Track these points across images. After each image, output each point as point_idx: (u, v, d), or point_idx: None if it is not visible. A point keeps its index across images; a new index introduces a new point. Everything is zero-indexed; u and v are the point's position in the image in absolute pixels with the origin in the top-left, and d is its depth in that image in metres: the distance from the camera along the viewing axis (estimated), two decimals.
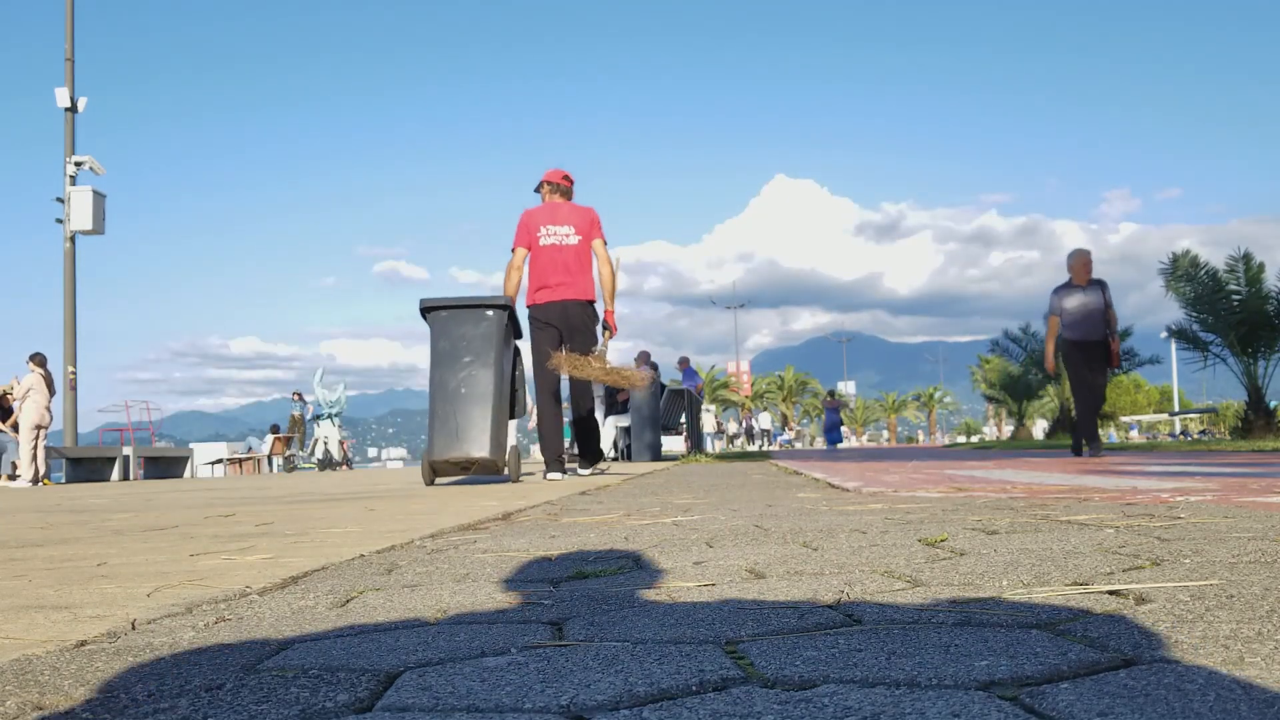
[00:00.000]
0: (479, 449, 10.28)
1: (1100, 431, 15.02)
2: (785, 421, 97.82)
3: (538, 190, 12.11)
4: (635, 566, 3.13)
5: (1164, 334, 33.96)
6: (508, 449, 10.69)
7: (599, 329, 11.72)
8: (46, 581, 3.17)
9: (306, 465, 36.17)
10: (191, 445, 37.45)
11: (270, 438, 39.50)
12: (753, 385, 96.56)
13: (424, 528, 4.83)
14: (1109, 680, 1.48)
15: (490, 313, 10.51)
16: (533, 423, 18.18)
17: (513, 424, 13.55)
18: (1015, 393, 51.77)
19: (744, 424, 68.87)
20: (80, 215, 26.58)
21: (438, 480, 11.29)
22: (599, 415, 25.86)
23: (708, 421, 36.19)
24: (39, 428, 21.60)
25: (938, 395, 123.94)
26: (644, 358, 24.82)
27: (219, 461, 38.84)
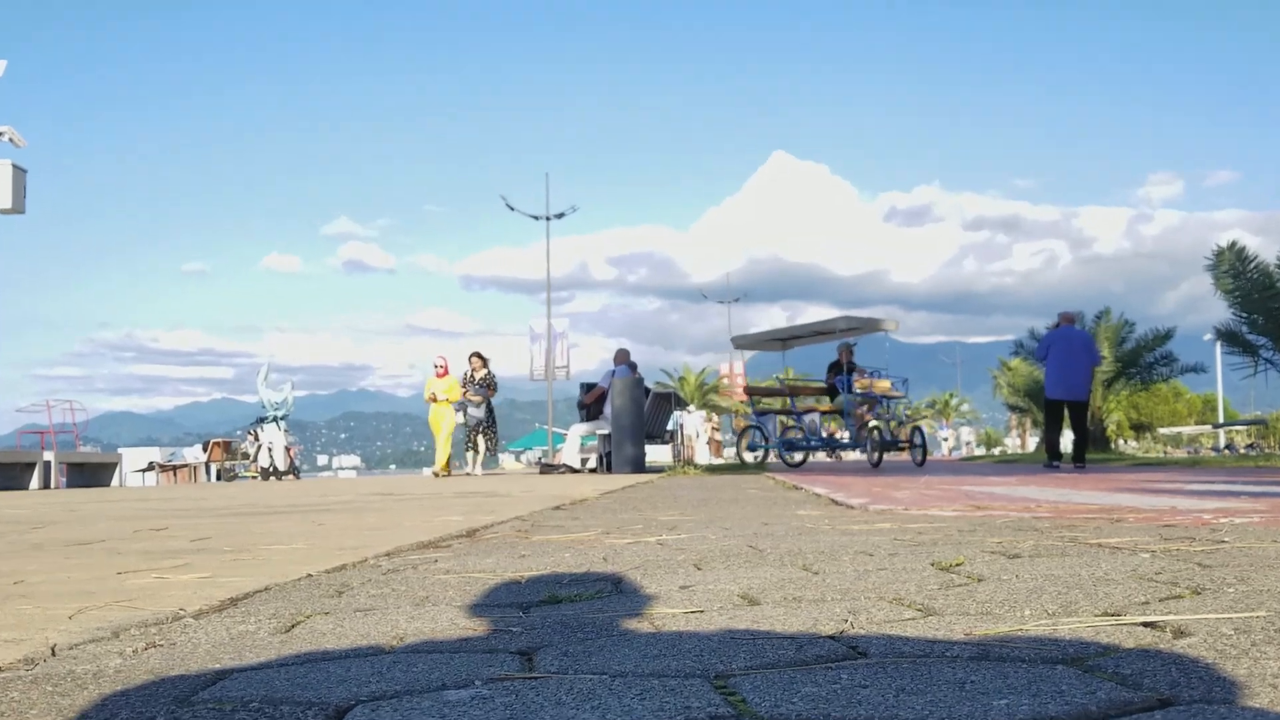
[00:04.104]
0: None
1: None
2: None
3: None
4: (615, 590, 3.14)
5: (1208, 336, 33.87)
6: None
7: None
8: None
9: (248, 474, 36.07)
10: (120, 450, 37.23)
11: (212, 442, 39.38)
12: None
13: (379, 545, 4.83)
14: None
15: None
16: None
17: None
18: (1042, 400, 51.64)
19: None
20: None
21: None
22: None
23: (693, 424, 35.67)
24: None
25: (954, 402, 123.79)
26: (622, 357, 24.69)
27: (150, 468, 38.68)
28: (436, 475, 24.49)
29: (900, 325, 26.18)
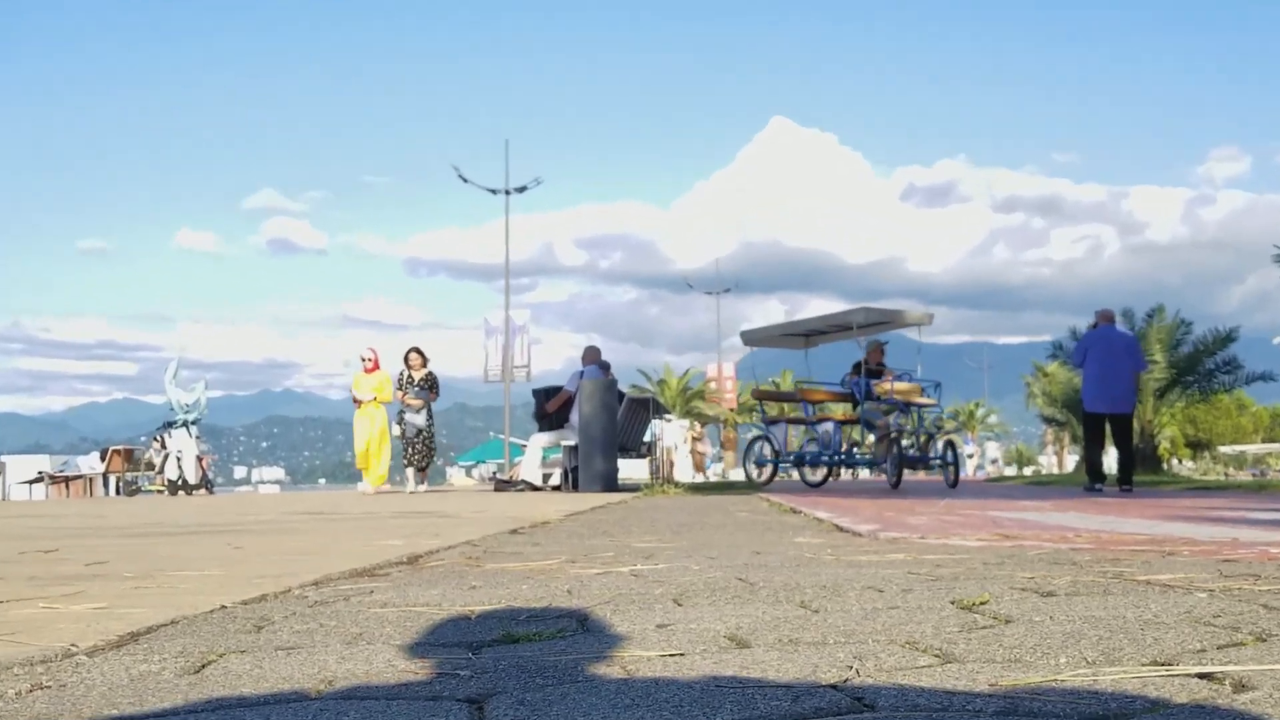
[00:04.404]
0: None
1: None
2: None
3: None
4: (580, 629, 3.14)
5: (1279, 339, 33.86)
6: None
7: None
8: None
9: (153, 487, 35.97)
10: (3, 458, 37.13)
11: (111, 450, 39.25)
12: (739, 394, 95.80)
13: (305, 572, 4.82)
14: None
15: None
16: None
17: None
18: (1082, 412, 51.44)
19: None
20: None
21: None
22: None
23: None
24: None
25: (980, 413, 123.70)
26: (592, 355, 24.59)
27: (39, 479, 38.58)
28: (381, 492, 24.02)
29: (933, 320, 24.53)
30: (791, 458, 24.68)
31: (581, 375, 23.61)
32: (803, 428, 24.65)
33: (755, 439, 26.28)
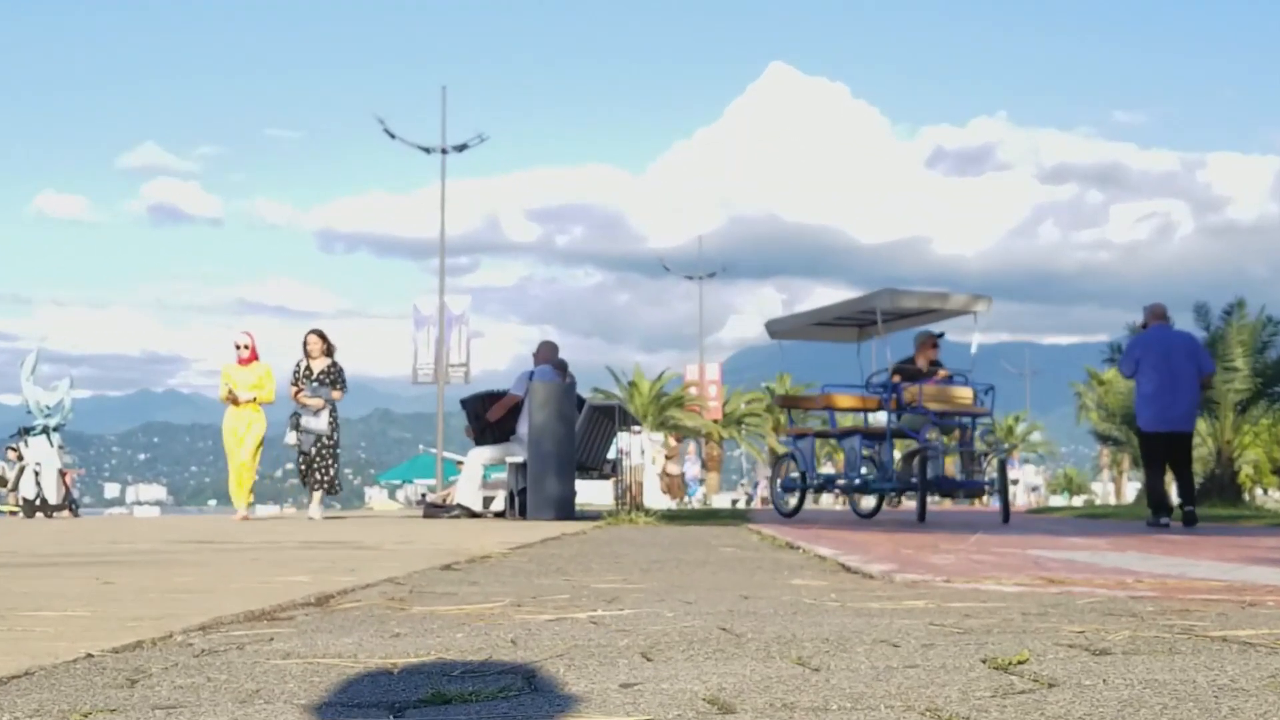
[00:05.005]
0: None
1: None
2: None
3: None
4: (527, 688, 3.13)
5: None
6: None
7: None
8: None
9: (6, 508, 35.91)
10: None
11: None
12: (725, 402, 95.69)
13: (191, 614, 4.81)
14: None
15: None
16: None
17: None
18: None
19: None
20: None
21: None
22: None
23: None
24: None
25: (1020, 429, 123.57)
26: (547, 353, 24.35)
27: None
28: (247, 518, 22.19)
29: (991, 308, 22.52)
30: (818, 481, 23.86)
31: (532, 377, 23.20)
32: (866, 443, 23.32)
33: (783, 457, 25.51)
